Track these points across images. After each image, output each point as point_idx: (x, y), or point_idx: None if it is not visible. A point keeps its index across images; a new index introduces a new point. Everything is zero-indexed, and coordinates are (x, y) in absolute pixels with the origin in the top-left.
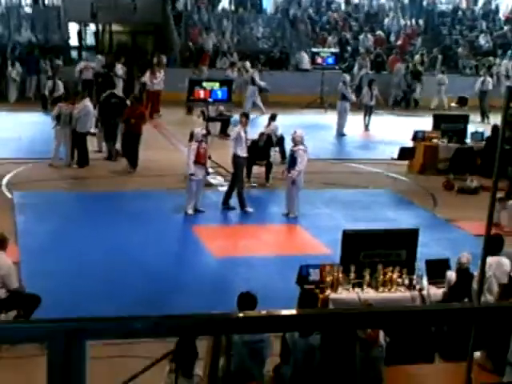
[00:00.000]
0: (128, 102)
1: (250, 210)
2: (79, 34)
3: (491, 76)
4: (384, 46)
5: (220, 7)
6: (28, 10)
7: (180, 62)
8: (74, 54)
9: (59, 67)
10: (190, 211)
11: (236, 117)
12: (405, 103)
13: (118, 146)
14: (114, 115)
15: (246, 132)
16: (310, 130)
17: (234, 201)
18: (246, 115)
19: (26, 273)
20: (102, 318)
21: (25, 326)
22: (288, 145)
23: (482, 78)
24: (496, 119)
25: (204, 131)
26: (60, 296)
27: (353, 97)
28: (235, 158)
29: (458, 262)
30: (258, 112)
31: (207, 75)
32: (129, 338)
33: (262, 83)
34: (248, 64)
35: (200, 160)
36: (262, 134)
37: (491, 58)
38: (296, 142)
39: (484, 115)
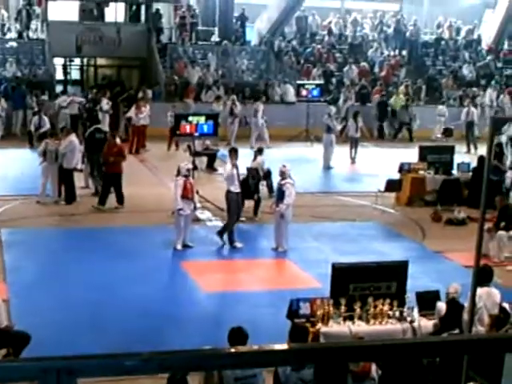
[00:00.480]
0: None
1: (239, 245)
2: (64, 68)
3: (475, 106)
4: (368, 78)
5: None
6: (13, 44)
7: (165, 96)
8: (59, 88)
9: (44, 102)
10: (179, 246)
11: (222, 151)
12: (409, 135)
13: None
14: (99, 150)
15: (237, 167)
16: (296, 163)
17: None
18: (234, 150)
19: (15, 310)
20: (93, 355)
21: (16, 364)
22: (275, 178)
23: (466, 109)
24: (482, 150)
25: (189, 166)
26: (49, 333)
27: (338, 127)
28: (228, 193)
29: (446, 292)
30: (263, 144)
31: (194, 108)
32: (120, 375)
33: (264, 118)
34: (234, 97)
35: (187, 194)
36: (250, 170)
37: (475, 89)
38: (284, 175)
39: (469, 146)
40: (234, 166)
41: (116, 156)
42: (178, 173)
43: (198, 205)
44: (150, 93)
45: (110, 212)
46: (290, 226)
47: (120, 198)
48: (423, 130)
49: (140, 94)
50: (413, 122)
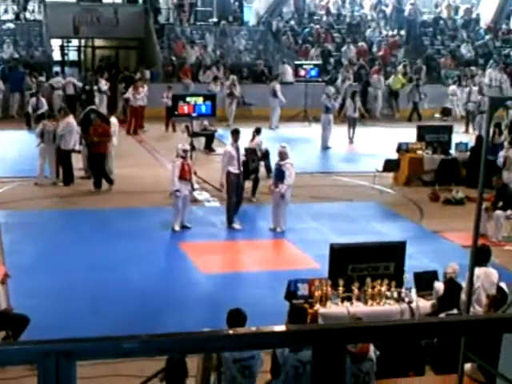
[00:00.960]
0: (111, 119)
1: (237, 226)
2: (62, 49)
3: (475, 86)
4: (366, 58)
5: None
6: (10, 25)
7: (163, 77)
8: (57, 69)
9: (42, 84)
10: (177, 227)
11: (220, 131)
12: (417, 116)
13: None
14: None
15: (238, 148)
16: (294, 143)
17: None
18: (236, 131)
19: (14, 293)
20: (92, 338)
21: (15, 347)
22: (273, 159)
23: (467, 89)
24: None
25: (186, 146)
26: (48, 315)
27: (336, 104)
28: (227, 175)
29: (444, 272)
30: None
31: (193, 88)
32: (118, 357)
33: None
34: (234, 78)
35: (185, 176)
36: (247, 150)
37: (473, 68)
38: (282, 156)
39: (468, 125)
40: (235, 147)
41: (100, 136)
42: (177, 154)
43: (196, 186)
44: (147, 73)
45: (108, 193)
46: (288, 206)
47: (98, 182)
48: (423, 110)
49: (138, 75)
50: (423, 101)
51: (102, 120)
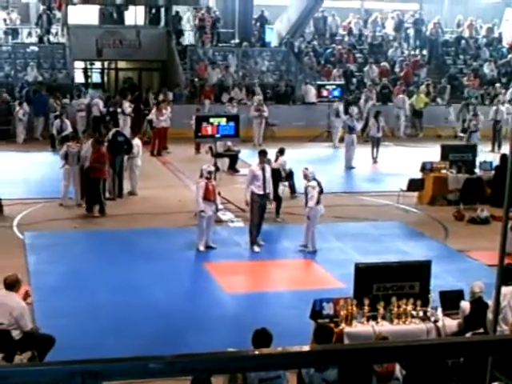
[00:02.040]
0: (135, 141)
1: (257, 249)
2: (85, 71)
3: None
4: (389, 77)
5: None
6: (34, 48)
7: (186, 98)
8: (80, 90)
9: (66, 106)
10: (202, 248)
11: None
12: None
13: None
14: (120, 153)
15: (263, 169)
16: (318, 163)
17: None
18: (263, 152)
19: (39, 313)
20: (117, 358)
21: (41, 368)
22: (298, 179)
23: (494, 108)
24: (505, 149)
25: (211, 168)
26: (73, 336)
27: (358, 127)
28: (251, 195)
29: (470, 291)
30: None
31: (209, 109)
32: (144, 378)
33: (345, 117)
34: (261, 98)
35: (209, 197)
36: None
37: (498, 85)
38: (306, 178)
39: (494, 144)
40: (261, 167)
41: (95, 161)
42: (201, 175)
43: (221, 206)
44: (170, 95)
45: (132, 214)
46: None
47: (101, 206)
48: (446, 129)
49: (161, 97)
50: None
51: (98, 144)
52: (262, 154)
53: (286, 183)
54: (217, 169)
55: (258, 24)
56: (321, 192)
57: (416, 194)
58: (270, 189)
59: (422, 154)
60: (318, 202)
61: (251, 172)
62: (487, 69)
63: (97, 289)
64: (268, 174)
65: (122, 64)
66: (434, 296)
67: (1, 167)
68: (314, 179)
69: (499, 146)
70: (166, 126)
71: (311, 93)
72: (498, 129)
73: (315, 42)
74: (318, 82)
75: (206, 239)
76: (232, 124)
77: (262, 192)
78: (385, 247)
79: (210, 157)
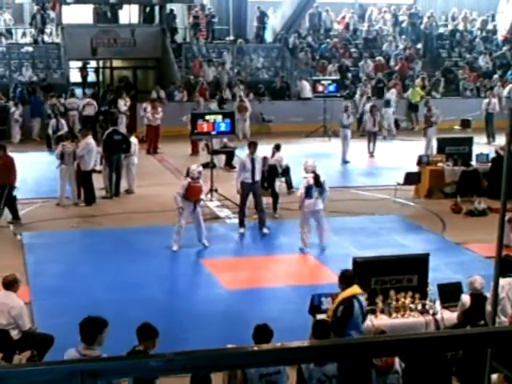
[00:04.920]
0: (131, 139)
1: (242, 231)
2: (81, 70)
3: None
4: (384, 72)
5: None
6: (28, 49)
7: (181, 97)
8: (78, 91)
9: (58, 105)
10: (175, 248)
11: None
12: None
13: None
14: (117, 152)
15: (253, 159)
16: (314, 158)
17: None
18: (253, 143)
19: (38, 312)
20: (116, 357)
21: (41, 367)
22: (294, 175)
23: (487, 100)
24: (500, 140)
25: (200, 169)
26: (72, 334)
27: (350, 120)
28: (241, 184)
29: (471, 287)
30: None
31: (204, 107)
32: (143, 375)
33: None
34: (241, 93)
35: (188, 197)
36: (268, 166)
37: (495, 76)
38: (307, 171)
39: (489, 137)
40: (251, 158)
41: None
42: (188, 174)
43: (217, 203)
44: (163, 93)
45: (129, 212)
46: (310, 221)
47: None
48: (441, 122)
49: (154, 94)
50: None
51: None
52: (252, 145)
53: (283, 179)
54: (213, 165)
55: (258, 20)
56: (319, 186)
57: (413, 187)
58: (258, 177)
59: (419, 148)
60: (309, 197)
61: (241, 163)
62: (482, 61)
63: (94, 287)
64: (258, 165)
65: (117, 63)
66: (433, 289)
67: None
68: (313, 172)
69: (493, 138)
70: (159, 124)
71: (306, 88)
72: (490, 121)
73: (310, 38)
74: (314, 78)
75: (199, 237)
76: (228, 121)
77: (250, 181)
78: (382, 241)
79: (206, 153)
